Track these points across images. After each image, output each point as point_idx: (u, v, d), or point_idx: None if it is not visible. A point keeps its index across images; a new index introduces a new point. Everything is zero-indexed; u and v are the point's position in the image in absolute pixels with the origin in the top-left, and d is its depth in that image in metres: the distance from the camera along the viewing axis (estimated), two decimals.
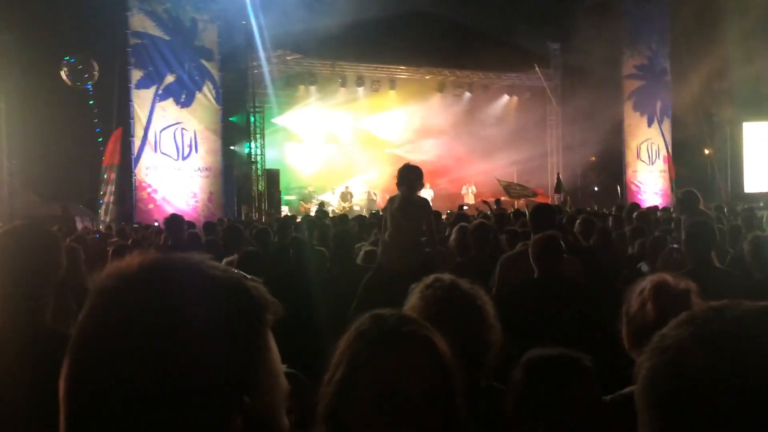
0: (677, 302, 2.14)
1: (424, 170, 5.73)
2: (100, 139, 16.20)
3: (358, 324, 1.35)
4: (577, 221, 6.40)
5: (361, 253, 6.39)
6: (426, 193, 20.85)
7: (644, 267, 5.41)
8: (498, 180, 17.36)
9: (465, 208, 15.54)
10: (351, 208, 20.34)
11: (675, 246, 5.17)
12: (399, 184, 5.55)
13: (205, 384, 0.80)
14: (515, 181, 19.24)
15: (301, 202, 20.45)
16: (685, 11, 20.03)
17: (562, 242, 4.09)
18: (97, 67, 15.22)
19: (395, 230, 5.44)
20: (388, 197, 5.91)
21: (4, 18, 15.43)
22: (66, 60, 15.08)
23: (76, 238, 6.77)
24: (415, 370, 1.26)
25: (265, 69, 18.71)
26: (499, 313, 2.09)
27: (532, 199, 17.82)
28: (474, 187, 21.75)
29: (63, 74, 15.05)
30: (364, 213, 16.51)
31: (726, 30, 19.79)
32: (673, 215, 8.42)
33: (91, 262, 5.73)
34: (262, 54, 18.20)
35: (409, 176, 5.52)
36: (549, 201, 19.55)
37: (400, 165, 5.75)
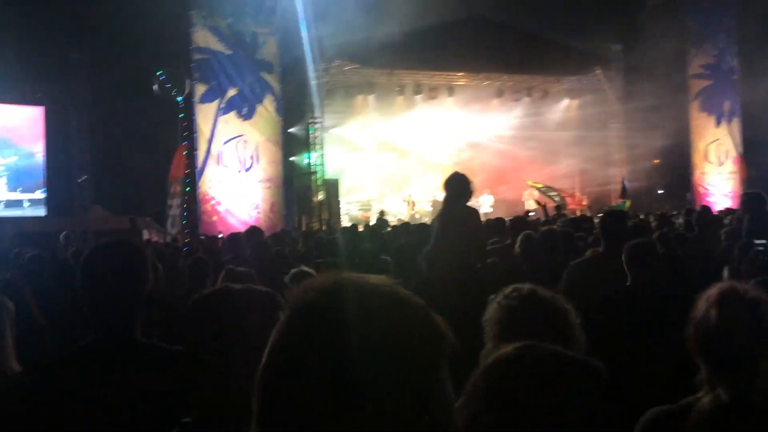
0: (744, 310, 2.05)
1: (483, 177, 5.65)
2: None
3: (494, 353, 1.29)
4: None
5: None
6: (486, 199, 20.76)
7: (725, 272, 5.20)
8: (530, 184, 16.98)
9: (531, 214, 15.27)
10: (413, 216, 20.34)
11: (760, 248, 4.95)
12: (446, 195, 5.46)
13: (381, 408, 0.81)
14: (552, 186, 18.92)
15: (361, 211, 20.57)
16: (754, 7, 19.37)
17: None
18: (187, 80, 15.70)
19: (440, 242, 5.33)
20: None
21: (76, 37, 16.06)
22: (158, 73, 15.60)
23: (155, 252, 6.95)
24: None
25: (320, 80, 18.89)
26: (593, 322, 2.03)
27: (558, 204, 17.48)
28: (536, 192, 21.41)
29: (155, 86, 15.58)
30: (428, 220, 16.45)
31: None
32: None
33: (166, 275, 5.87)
34: (319, 65, 18.41)
35: (455, 186, 5.42)
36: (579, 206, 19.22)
37: (452, 173, 5.66)
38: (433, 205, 20.62)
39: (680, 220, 9.78)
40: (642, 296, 3.70)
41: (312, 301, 0.86)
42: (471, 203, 5.65)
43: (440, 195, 5.74)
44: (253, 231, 6.66)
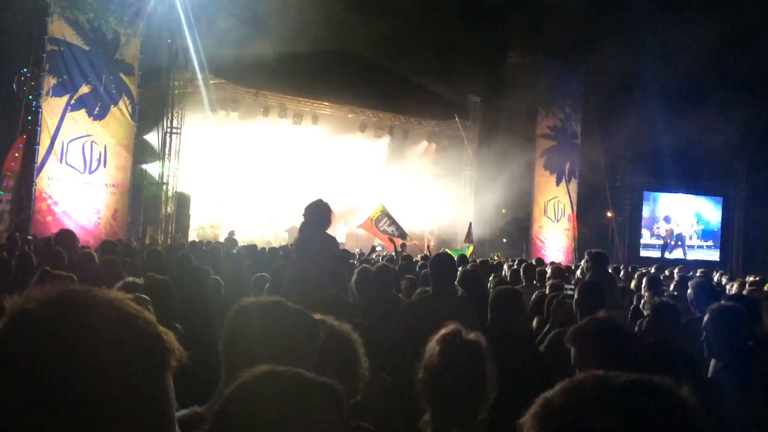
0: (463, 353, 2.21)
1: (339, 207, 5.75)
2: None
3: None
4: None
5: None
6: (340, 229, 21.02)
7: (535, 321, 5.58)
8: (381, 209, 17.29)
9: (378, 248, 15.61)
10: (269, 242, 20.15)
11: (569, 293, 5.34)
12: (306, 221, 5.54)
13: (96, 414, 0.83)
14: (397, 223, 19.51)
15: (212, 227, 20.09)
16: (600, 80, 21.21)
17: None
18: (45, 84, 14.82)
19: (299, 266, 5.39)
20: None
21: None
22: (21, 73, 14.60)
23: None
24: None
25: (182, 90, 18.44)
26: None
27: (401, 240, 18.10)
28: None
29: (15, 86, 14.57)
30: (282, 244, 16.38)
31: (636, 102, 21.03)
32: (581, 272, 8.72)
33: None
34: (183, 74, 17.98)
35: (316, 213, 5.51)
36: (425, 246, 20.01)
37: (315, 200, 5.74)
38: (289, 232, 20.58)
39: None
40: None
41: (30, 309, 0.86)
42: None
43: (298, 221, 5.78)
44: (63, 234, 6.32)
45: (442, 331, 2.30)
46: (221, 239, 17.87)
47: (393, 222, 16.77)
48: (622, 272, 11.32)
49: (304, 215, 5.58)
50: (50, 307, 0.86)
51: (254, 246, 12.44)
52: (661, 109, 20.52)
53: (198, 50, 17.33)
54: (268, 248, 12.65)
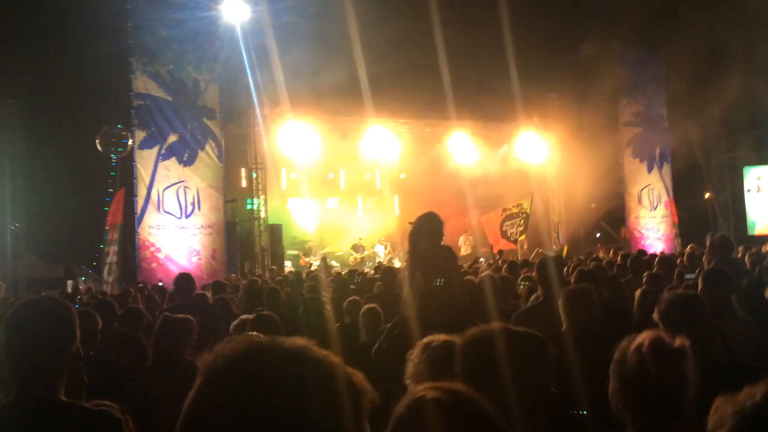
0: (673, 361, 2.09)
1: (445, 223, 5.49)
2: (107, 199, 16.29)
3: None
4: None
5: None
6: (380, 249, 21.10)
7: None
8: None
9: (482, 260, 15.37)
10: (363, 259, 20.35)
11: (689, 282, 5.08)
12: (421, 234, 5.30)
13: None
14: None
15: (302, 255, 20.43)
16: (681, 57, 20.37)
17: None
18: (128, 136, 15.51)
19: (426, 282, 5.21)
20: (405, 248, 5.67)
21: (11, 84, 15.70)
22: (102, 129, 15.38)
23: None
24: None
25: (262, 126, 18.93)
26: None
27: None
28: (471, 237, 21.75)
29: (99, 144, 15.36)
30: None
31: (722, 75, 20.07)
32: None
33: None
34: (261, 111, 18.46)
35: (433, 225, 5.34)
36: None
37: (416, 215, 5.47)
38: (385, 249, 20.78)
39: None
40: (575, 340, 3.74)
41: (221, 368, 0.86)
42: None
43: (386, 239, 5.69)
44: (181, 278, 6.51)
45: (644, 342, 2.19)
46: (313, 266, 18.15)
47: (522, 223, 16.79)
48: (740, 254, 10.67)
49: (414, 228, 5.42)
50: (242, 362, 0.86)
51: (355, 271, 12.49)
52: (751, 79, 19.49)
53: (268, 84, 17.67)
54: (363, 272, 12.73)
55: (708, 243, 6.45)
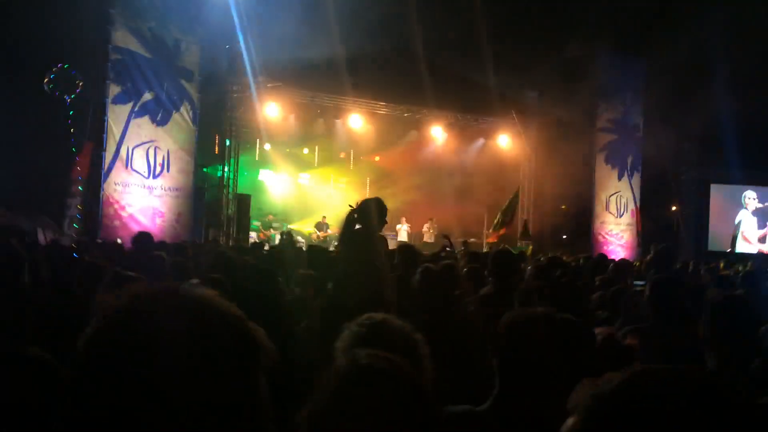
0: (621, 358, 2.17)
1: (395, 206, 5.58)
2: (74, 150, 15.97)
3: (337, 361, 1.37)
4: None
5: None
6: (402, 228, 21.12)
7: (602, 315, 5.43)
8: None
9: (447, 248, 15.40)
10: (325, 238, 20.29)
11: (637, 288, 5.19)
12: (359, 218, 5.43)
13: (190, 413, 0.81)
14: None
15: (260, 228, 20.33)
16: (661, 70, 20.59)
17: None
18: (81, 80, 15.08)
19: (350, 265, 5.30)
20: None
21: None
22: (52, 70, 14.89)
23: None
24: (386, 407, 1.26)
25: (240, 94, 18.76)
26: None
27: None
28: (435, 226, 21.85)
29: (46, 85, 14.86)
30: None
31: (700, 91, 20.34)
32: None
33: None
34: (241, 79, 18.27)
35: (370, 211, 5.42)
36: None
37: (386, 197, 5.63)
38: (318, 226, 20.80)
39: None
40: None
41: (126, 305, 0.86)
42: (386, 230, 5.68)
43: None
44: (140, 236, 6.46)
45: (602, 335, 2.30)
46: (276, 240, 18.11)
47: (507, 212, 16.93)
48: (691, 268, 10.93)
49: (357, 211, 5.44)
50: (144, 302, 0.86)
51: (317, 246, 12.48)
52: (727, 98, 19.78)
53: (251, 54, 17.51)
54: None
55: (651, 254, 6.59)
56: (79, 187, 14.95)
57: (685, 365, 0.80)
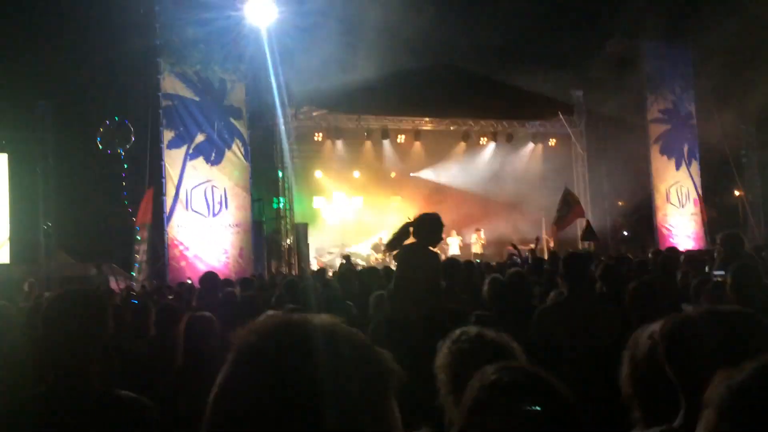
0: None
1: (450, 219, 5.64)
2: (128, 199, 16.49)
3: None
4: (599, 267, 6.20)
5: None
6: (453, 240, 21.01)
7: (687, 307, 5.30)
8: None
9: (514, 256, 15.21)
10: (384, 260, 20.33)
11: (717, 279, 5.04)
12: (415, 233, 5.41)
13: None
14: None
15: (317, 257, 20.42)
16: (709, 54, 20.09)
17: None
18: (132, 131, 15.59)
19: (407, 279, 5.33)
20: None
21: (42, 84, 15.98)
22: (104, 126, 15.44)
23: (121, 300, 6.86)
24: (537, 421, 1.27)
25: (288, 126, 19.05)
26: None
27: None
28: (483, 238, 21.67)
29: (100, 138, 15.41)
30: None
31: (750, 72, 19.76)
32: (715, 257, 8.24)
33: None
34: (287, 111, 18.56)
35: (425, 226, 5.46)
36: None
37: (428, 212, 5.69)
38: (375, 247, 20.80)
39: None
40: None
41: (253, 343, 0.89)
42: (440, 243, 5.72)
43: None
44: (206, 276, 6.61)
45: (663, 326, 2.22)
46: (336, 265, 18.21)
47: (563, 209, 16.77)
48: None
49: (413, 225, 5.46)
50: (273, 336, 0.89)
51: (374, 268, 12.53)
52: None
53: (287, 85, 17.70)
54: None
55: (718, 242, 6.39)
56: (149, 233, 15.35)
57: None
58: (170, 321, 5.49)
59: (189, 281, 12.68)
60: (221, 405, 0.89)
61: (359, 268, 15.02)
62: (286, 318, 0.93)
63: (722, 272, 5.15)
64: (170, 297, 9.03)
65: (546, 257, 12.49)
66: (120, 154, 15.90)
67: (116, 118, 15.74)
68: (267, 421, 0.83)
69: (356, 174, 23.02)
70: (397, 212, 22.45)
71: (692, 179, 21.87)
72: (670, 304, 4.52)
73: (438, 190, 23.06)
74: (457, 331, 2.10)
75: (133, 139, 15.76)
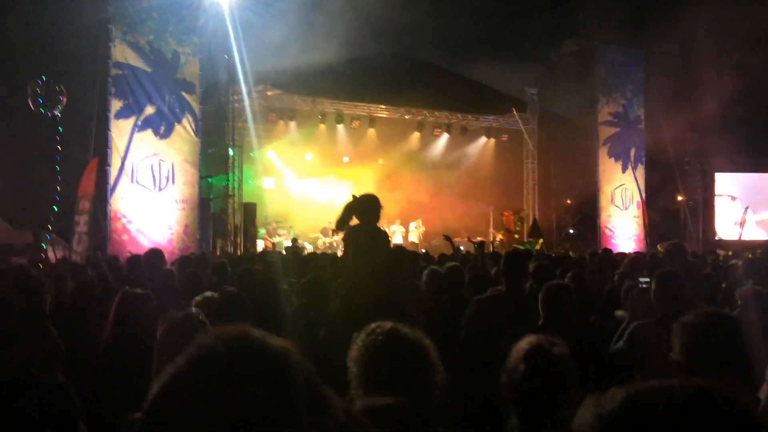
0: (549, 365, 2.27)
1: (401, 208, 5.73)
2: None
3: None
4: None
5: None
6: (397, 229, 21.21)
7: (618, 312, 5.45)
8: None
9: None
10: (332, 244, 20.34)
11: (643, 286, 5.21)
12: (362, 214, 5.50)
13: None
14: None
15: (266, 236, 20.36)
16: (660, 61, 20.59)
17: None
18: (65, 93, 15.01)
19: (363, 260, 5.37)
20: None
21: None
22: (32, 84, 14.81)
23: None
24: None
25: (246, 103, 18.86)
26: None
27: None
28: (423, 227, 22.01)
29: (29, 100, 14.80)
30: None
31: (699, 81, 20.33)
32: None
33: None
34: (243, 88, 18.34)
35: (373, 205, 5.52)
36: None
37: (365, 193, 5.73)
38: (322, 231, 20.86)
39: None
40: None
41: (218, 349, 0.92)
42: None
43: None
44: (154, 254, 6.52)
45: (526, 346, 2.37)
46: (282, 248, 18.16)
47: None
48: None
49: (354, 208, 5.54)
50: (229, 348, 0.91)
51: (316, 254, 12.56)
52: (727, 86, 19.76)
53: (244, 63, 17.56)
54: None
55: (662, 249, 6.64)
56: (91, 204, 14.94)
57: (686, 378, 0.81)
58: (86, 297, 5.35)
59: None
60: (165, 395, 0.91)
61: (306, 252, 15.01)
62: (246, 333, 0.95)
63: (647, 279, 5.32)
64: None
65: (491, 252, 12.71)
66: (56, 117, 15.27)
67: (44, 78, 15.05)
68: (203, 427, 0.86)
69: (308, 156, 22.91)
70: (347, 197, 22.45)
71: (637, 183, 22.40)
72: (580, 308, 4.68)
73: (389, 178, 23.12)
74: (372, 325, 2.11)
75: (63, 100, 15.13)
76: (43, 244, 14.74)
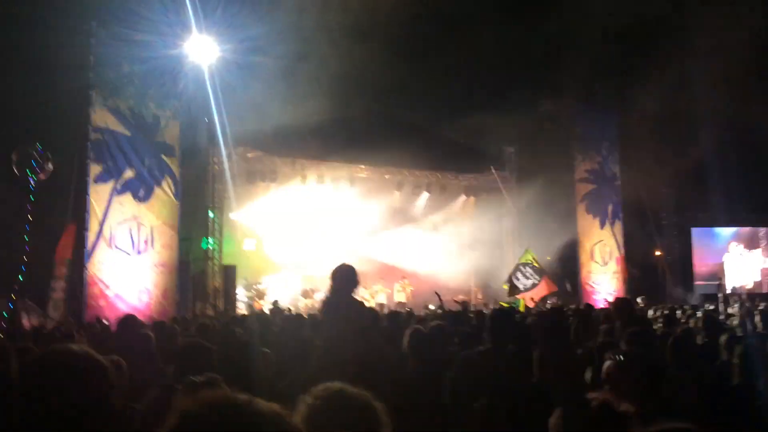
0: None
1: (387, 269, 5.75)
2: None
3: None
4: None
5: None
6: (380, 291, 21.09)
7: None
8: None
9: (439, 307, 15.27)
10: (312, 305, 20.12)
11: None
12: (336, 285, 5.50)
13: None
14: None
15: (255, 299, 20.14)
16: (634, 119, 21.05)
17: None
18: (50, 159, 14.99)
19: (335, 335, 5.33)
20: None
21: None
22: (18, 150, 14.79)
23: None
24: None
25: (226, 165, 18.90)
26: None
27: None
28: (409, 287, 21.90)
29: (14, 166, 14.74)
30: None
31: (673, 138, 20.77)
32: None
33: None
34: (223, 150, 18.42)
35: (347, 276, 5.51)
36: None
37: (340, 264, 5.72)
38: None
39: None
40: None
41: (200, 414, 0.93)
42: (362, 294, 5.77)
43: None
44: (126, 320, 6.42)
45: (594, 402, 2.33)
46: (266, 309, 17.93)
47: (533, 274, 16.79)
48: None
49: (331, 279, 5.56)
50: (217, 413, 0.91)
51: (300, 316, 12.38)
52: (702, 143, 20.24)
53: (224, 125, 17.67)
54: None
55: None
56: (68, 269, 14.75)
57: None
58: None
59: (105, 322, 12.17)
60: None
61: (286, 313, 14.80)
62: (231, 399, 0.95)
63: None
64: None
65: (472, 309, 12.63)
66: (31, 183, 15.16)
67: (38, 145, 15.08)
68: None
69: (288, 218, 22.86)
70: (333, 259, 22.34)
71: (615, 238, 22.61)
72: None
73: (370, 236, 23.11)
74: (320, 386, 2.06)
75: (51, 167, 15.11)
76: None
